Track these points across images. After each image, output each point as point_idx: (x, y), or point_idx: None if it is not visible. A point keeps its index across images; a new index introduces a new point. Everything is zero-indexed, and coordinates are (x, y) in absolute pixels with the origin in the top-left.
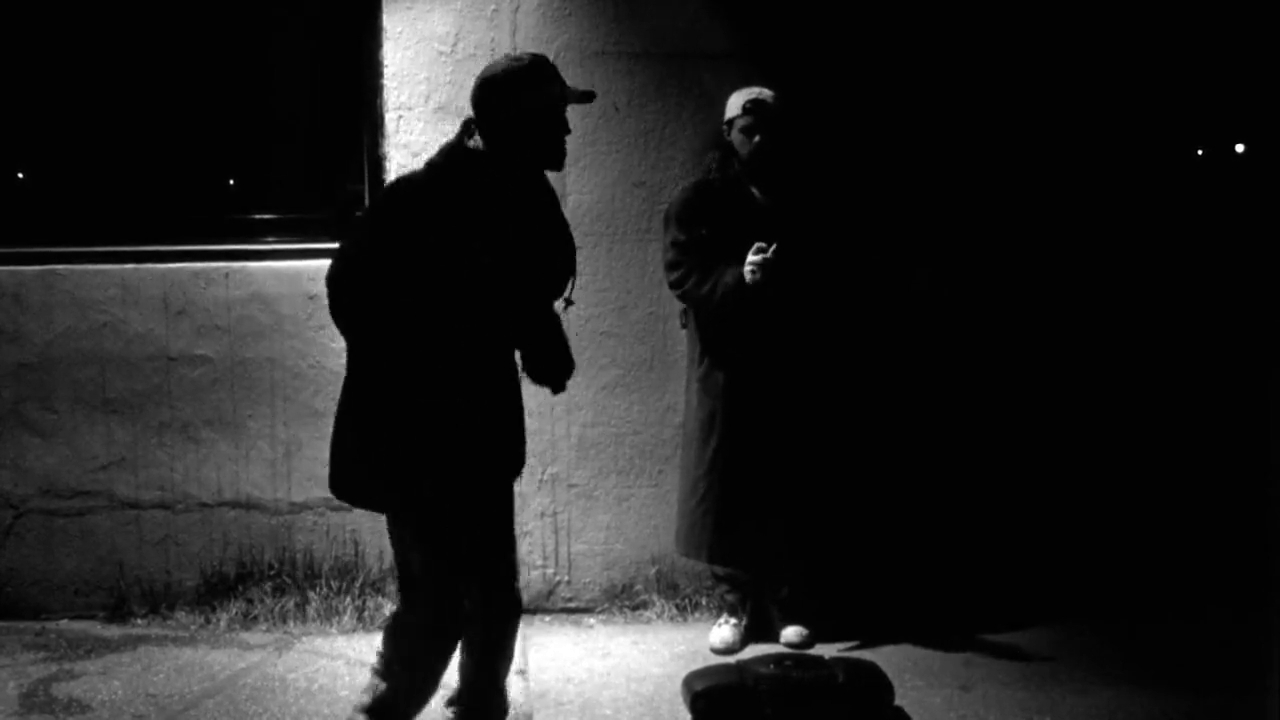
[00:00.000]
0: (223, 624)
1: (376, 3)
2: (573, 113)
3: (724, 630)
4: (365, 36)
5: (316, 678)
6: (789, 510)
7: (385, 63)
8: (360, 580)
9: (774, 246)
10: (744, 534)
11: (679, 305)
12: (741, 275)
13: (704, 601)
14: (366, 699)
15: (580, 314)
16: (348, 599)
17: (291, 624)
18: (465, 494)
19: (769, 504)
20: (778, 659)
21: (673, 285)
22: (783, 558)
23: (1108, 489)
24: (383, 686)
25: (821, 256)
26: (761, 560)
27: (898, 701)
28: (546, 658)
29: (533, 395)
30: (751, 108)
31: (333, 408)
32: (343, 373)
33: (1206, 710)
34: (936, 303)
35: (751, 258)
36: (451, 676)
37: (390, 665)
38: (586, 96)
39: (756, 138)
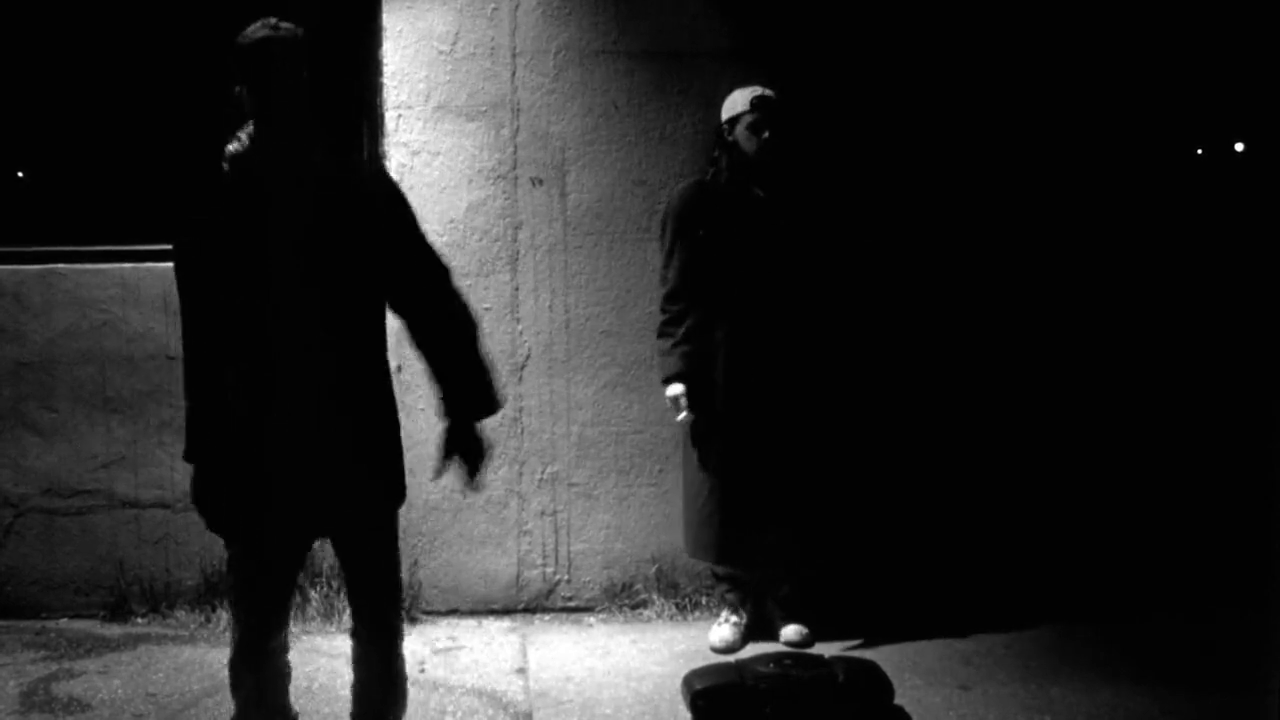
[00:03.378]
0: (223, 623)
1: (376, 1)
2: (573, 111)
3: (724, 629)
4: (365, 35)
5: (316, 676)
6: (794, 510)
7: (385, 61)
8: None
9: (688, 416)
10: (750, 535)
11: None
12: (679, 379)
13: (704, 600)
14: None
15: (580, 313)
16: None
17: (291, 623)
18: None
19: (773, 504)
20: (778, 658)
21: (660, 310)
22: (792, 558)
23: (1107, 488)
24: None
25: (821, 254)
26: (768, 561)
27: (897, 701)
28: (546, 657)
29: (533, 394)
30: (759, 104)
31: None
32: None
33: (1206, 710)
34: (926, 261)
35: (682, 415)
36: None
37: None
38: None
39: (765, 134)
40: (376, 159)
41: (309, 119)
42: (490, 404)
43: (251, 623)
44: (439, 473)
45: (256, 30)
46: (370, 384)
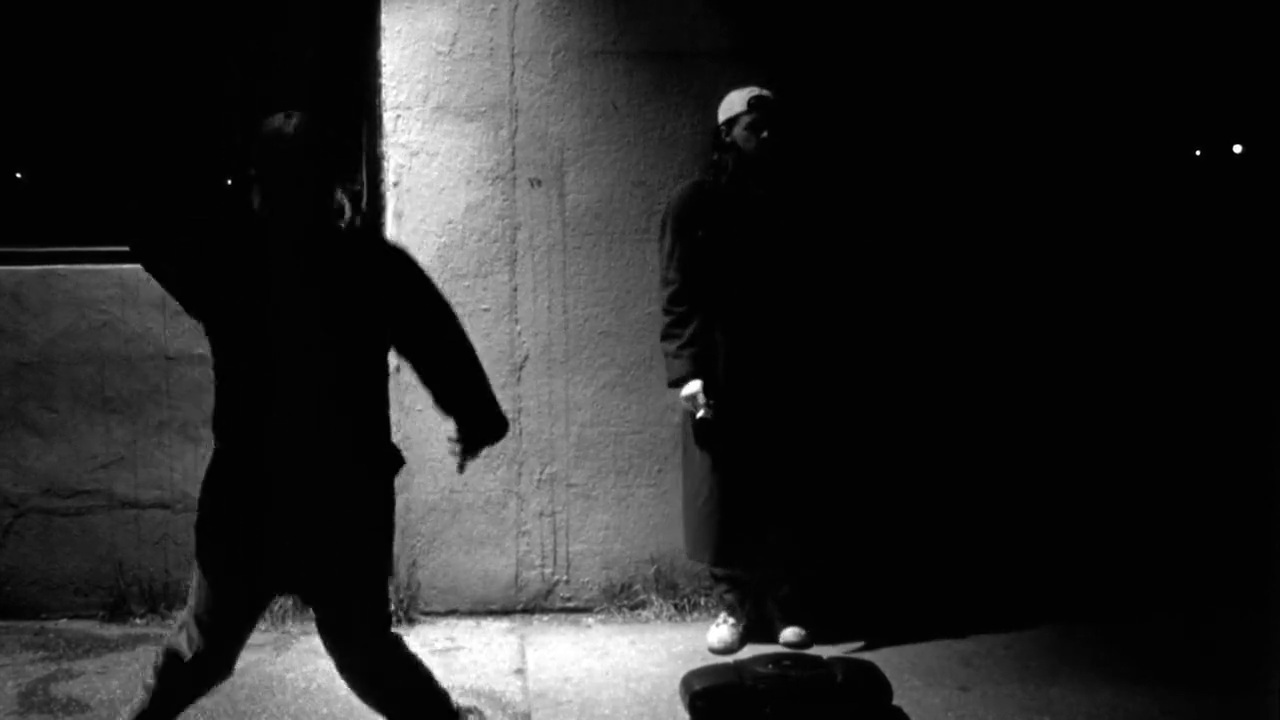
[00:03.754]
0: None
1: (375, 1)
2: (572, 112)
3: (722, 630)
4: (364, 35)
5: (314, 677)
6: (794, 511)
7: (383, 62)
8: None
9: (709, 411)
10: (750, 535)
11: None
12: (691, 378)
13: (703, 601)
14: None
15: (579, 314)
16: None
17: (290, 623)
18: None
19: (773, 505)
20: (776, 659)
21: (664, 312)
22: (792, 558)
23: (1107, 488)
24: None
25: (821, 255)
26: (768, 561)
27: (896, 701)
28: (545, 657)
29: (532, 395)
30: (757, 104)
31: None
32: None
33: (1206, 710)
34: (921, 253)
35: (701, 412)
36: None
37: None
38: None
39: (764, 133)
40: (378, 231)
41: (315, 210)
42: (502, 427)
43: (219, 642)
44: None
45: (270, 123)
46: (369, 386)
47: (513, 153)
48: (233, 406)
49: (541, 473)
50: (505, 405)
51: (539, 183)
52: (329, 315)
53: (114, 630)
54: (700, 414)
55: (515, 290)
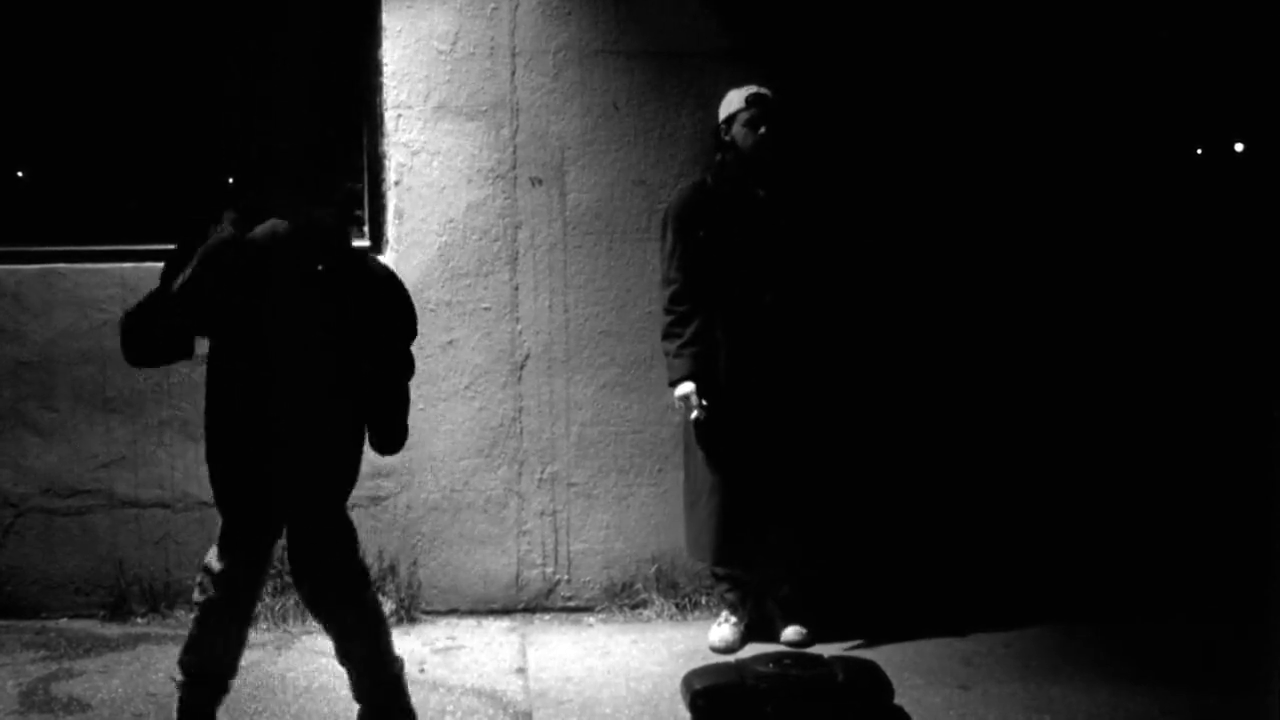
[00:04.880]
0: None
1: (376, 1)
2: (573, 111)
3: (724, 629)
4: (365, 35)
5: (316, 676)
6: (794, 510)
7: (384, 61)
8: None
9: (702, 413)
10: (751, 535)
11: None
12: (686, 382)
13: (704, 600)
14: None
15: (580, 313)
16: None
17: (291, 623)
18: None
19: (774, 505)
20: (777, 658)
21: (665, 312)
22: (793, 558)
23: (1107, 489)
24: None
25: (821, 254)
26: (768, 561)
27: (897, 700)
28: (546, 656)
29: (532, 394)
30: (754, 100)
31: None
32: None
33: (1206, 709)
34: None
35: (694, 413)
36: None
37: None
38: None
39: (762, 130)
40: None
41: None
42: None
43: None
44: None
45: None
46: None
47: (513, 152)
48: (231, 391)
49: (542, 472)
50: (506, 405)
51: (540, 182)
52: (325, 320)
53: (114, 629)
54: (694, 415)
55: (516, 289)
